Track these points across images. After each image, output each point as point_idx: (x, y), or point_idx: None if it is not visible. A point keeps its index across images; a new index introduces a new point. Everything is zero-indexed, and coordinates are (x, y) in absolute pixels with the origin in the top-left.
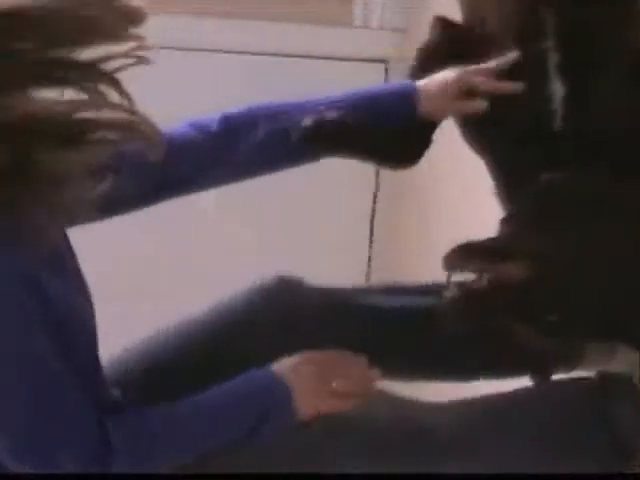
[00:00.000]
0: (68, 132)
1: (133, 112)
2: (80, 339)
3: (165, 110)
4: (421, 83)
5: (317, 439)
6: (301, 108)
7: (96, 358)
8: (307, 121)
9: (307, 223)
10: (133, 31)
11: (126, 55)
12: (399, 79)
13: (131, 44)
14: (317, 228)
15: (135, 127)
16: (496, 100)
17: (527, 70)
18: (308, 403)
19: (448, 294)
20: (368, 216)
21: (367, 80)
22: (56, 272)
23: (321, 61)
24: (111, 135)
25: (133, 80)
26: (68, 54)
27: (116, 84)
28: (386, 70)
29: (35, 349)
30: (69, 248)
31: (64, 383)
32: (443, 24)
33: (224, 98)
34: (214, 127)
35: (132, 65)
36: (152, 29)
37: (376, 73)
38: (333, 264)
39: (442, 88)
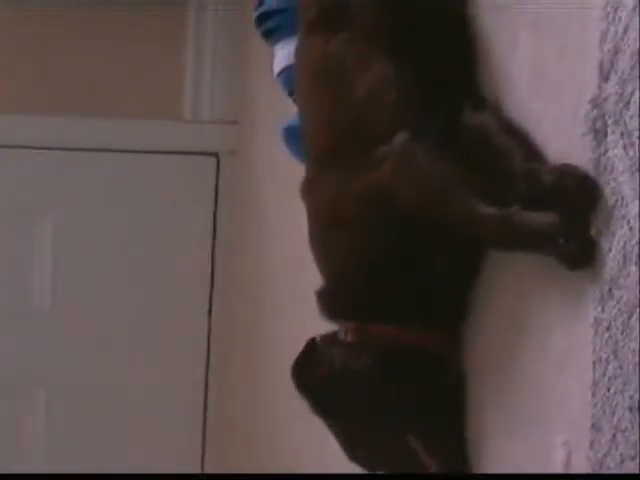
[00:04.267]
0: None
1: None
2: None
3: None
4: None
5: None
6: None
7: None
8: None
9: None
10: None
11: None
12: (230, 171)
13: None
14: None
15: None
16: None
17: None
18: None
19: None
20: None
21: (200, 173)
22: None
23: (152, 155)
24: None
25: None
26: None
27: None
28: (218, 163)
29: None
30: None
31: None
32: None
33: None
34: None
35: None
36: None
37: (208, 166)
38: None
39: None
